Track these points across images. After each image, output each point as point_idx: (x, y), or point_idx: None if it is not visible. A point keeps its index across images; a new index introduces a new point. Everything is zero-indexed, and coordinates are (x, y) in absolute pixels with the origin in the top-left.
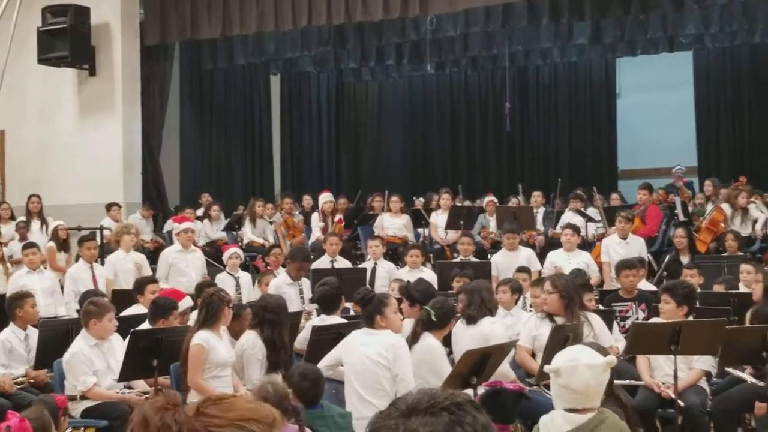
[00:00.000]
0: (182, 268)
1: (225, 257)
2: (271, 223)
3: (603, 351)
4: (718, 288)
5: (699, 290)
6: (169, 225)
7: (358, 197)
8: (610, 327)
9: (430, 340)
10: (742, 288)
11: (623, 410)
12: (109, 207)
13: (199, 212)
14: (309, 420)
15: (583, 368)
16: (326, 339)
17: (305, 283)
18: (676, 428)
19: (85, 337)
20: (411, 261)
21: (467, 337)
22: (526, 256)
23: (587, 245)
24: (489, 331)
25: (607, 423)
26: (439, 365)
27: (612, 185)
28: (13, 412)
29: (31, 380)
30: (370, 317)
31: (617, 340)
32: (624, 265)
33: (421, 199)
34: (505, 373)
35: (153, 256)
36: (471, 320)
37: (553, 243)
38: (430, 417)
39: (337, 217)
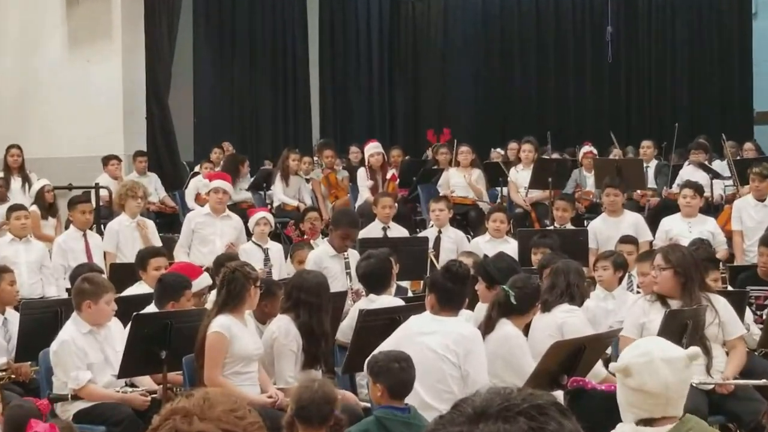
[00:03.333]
0: (206, 236)
1: (251, 224)
2: (308, 180)
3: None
4: None
5: None
6: (194, 184)
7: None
8: (741, 313)
9: (508, 329)
10: None
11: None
12: (106, 161)
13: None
14: (391, 425)
15: (659, 364)
16: (376, 326)
17: (352, 255)
18: None
19: (77, 323)
20: (494, 228)
21: (539, 327)
22: (632, 222)
23: (712, 209)
24: (563, 321)
25: None
26: (520, 360)
27: (746, 132)
28: (35, 420)
29: (12, 375)
30: (459, 300)
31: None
32: (764, 241)
33: (500, 151)
34: (596, 371)
35: (160, 223)
36: (545, 307)
37: (668, 206)
38: (503, 423)
39: (391, 172)
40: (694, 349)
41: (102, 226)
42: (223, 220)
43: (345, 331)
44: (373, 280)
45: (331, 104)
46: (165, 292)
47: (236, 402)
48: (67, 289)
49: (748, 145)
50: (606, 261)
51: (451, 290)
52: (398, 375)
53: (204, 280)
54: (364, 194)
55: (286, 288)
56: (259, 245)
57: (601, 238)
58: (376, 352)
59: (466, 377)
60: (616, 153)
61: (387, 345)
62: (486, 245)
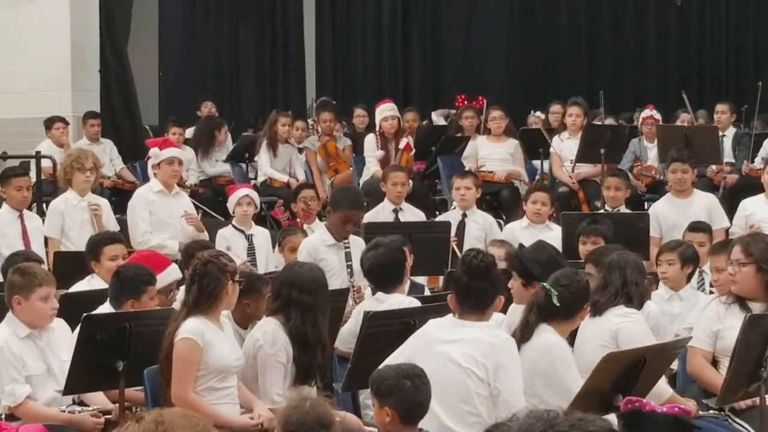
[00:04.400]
0: (164, 219)
1: (231, 204)
2: (300, 150)
3: None
4: None
5: None
6: (154, 153)
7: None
8: None
9: (549, 337)
10: None
11: None
12: (50, 124)
13: (189, 133)
14: None
15: None
16: (385, 332)
17: (354, 243)
18: None
19: (12, 325)
20: (533, 211)
21: (588, 334)
22: (704, 205)
23: None
24: (617, 327)
25: None
26: (563, 376)
27: None
28: (6, 423)
29: None
30: (481, 301)
31: None
32: None
33: (539, 115)
34: (658, 391)
35: (116, 201)
36: (596, 310)
37: (749, 185)
38: None
39: (404, 141)
40: None
41: (44, 206)
42: (176, 198)
43: (346, 338)
44: (382, 275)
45: (330, 57)
46: (123, 288)
47: (198, 425)
48: None
49: None
50: (671, 254)
51: (470, 288)
52: (411, 395)
53: (172, 274)
54: (372, 168)
55: (273, 284)
56: (241, 230)
57: (666, 225)
58: (383, 365)
59: (496, 396)
60: (685, 119)
61: (399, 356)
62: (523, 232)
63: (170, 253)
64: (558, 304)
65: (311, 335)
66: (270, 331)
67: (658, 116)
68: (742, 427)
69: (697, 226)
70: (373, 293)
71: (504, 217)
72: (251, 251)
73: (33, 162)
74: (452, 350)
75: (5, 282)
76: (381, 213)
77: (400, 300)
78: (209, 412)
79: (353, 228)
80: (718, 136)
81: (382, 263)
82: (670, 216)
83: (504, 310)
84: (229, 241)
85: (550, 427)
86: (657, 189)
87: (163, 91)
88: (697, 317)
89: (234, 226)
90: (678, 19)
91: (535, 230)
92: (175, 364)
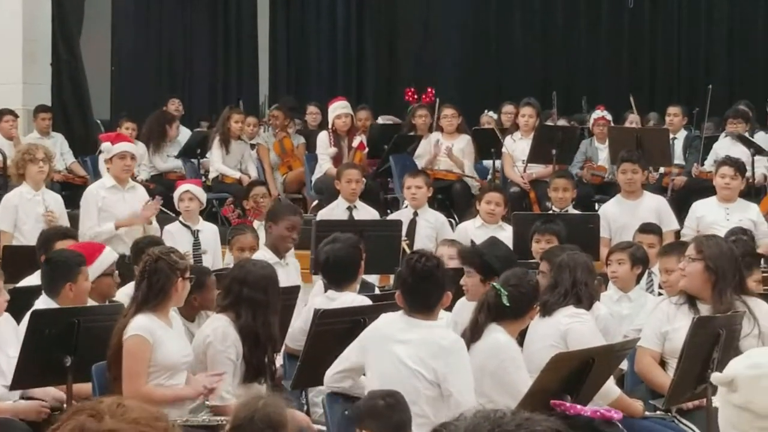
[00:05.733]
0: (117, 215)
1: (175, 199)
2: (253, 146)
3: None
4: None
5: None
6: (106, 147)
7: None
8: None
9: (498, 337)
10: None
11: None
12: None
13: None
14: None
15: None
16: (335, 330)
17: (293, 263)
18: None
19: None
20: (487, 211)
21: (537, 335)
22: (653, 207)
23: (753, 192)
24: (567, 327)
25: None
26: (512, 376)
27: None
28: None
29: None
30: (427, 302)
31: None
32: None
33: (492, 115)
34: (606, 391)
35: (66, 195)
36: (546, 310)
37: (698, 187)
38: None
39: (358, 140)
40: None
41: None
42: (129, 193)
43: (296, 335)
44: (337, 270)
45: (283, 54)
46: (57, 273)
47: (158, 413)
48: None
49: None
50: (621, 254)
51: (415, 290)
52: (385, 414)
53: (109, 256)
54: (324, 165)
55: (224, 281)
56: (187, 226)
57: (616, 226)
58: (339, 366)
59: (447, 398)
60: (633, 120)
61: (351, 351)
62: (476, 232)
63: (109, 236)
64: (508, 304)
65: (262, 333)
66: (220, 328)
67: (609, 118)
68: (689, 428)
69: (647, 228)
70: (325, 290)
71: (456, 217)
72: (197, 247)
73: None
74: (401, 351)
75: None
76: (335, 211)
77: (351, 299)
78: (166, 394)
79: (297, 235)
80: (669, 139)
81: (338, 257)
82: (620, 217)
83: (450, 308)
84: (174, 236)
85: (497, 426)
86: (607, 190)
87: (116, 86)
88: (646, 318)
89: (180, 222)
90: (630, 22)
91: (488, 230)
92: (125, 362)
